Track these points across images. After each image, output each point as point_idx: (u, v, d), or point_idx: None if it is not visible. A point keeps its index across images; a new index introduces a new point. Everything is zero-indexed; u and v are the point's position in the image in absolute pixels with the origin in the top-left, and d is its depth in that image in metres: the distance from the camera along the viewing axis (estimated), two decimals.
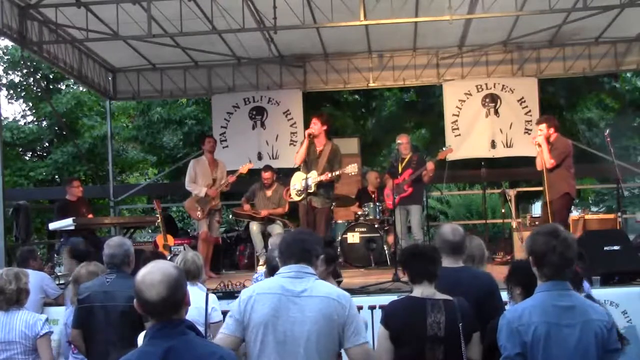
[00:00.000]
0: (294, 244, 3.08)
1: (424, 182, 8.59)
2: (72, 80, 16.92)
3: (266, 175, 9.08)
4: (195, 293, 4.37)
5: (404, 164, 8.44)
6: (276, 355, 2.87)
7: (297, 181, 7.78)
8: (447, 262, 3.80)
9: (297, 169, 7.95)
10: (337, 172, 7.54)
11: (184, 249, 8.29)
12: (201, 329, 4.20)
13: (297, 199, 7.75)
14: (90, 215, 8.50)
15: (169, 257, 7.59)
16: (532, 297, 2.91)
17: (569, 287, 2.89)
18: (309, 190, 7.42)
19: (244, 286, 5.97)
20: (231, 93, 11.24)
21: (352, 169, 7.53)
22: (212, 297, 4.60)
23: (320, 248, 3.14)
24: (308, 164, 7.67)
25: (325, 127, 7.71)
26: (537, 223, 8.66)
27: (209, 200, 8.44)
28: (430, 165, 8.37)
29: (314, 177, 7.49)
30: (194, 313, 4.21)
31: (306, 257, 3.04)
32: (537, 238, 2.90)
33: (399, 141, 8.32)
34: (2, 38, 10.08)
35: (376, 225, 8.84)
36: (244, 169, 8.70)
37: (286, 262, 3.05)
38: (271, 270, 3.67)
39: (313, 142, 7.69)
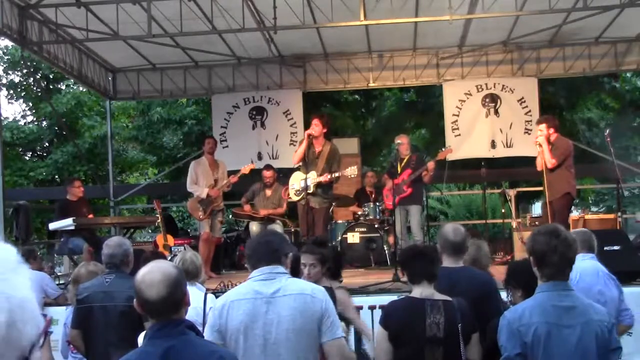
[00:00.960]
0: (261, 246, 3.06)
1: (423, 182, 8.59)
2: (72, 80, 16.92)
3: (267, 174, 9.08)
4: (194, 293, 4.37)
5: (403, 164, 8.44)
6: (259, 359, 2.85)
7: (296, 181, 7.78)
8: (447, 262, 3.80)
9: (297, 169, 7.95)
10: (337, 174, 7.53)
11: (184, 249, 8.29)
12: (200, 329, 4.21)
13: (295, 198, 7.74)
14: (90, 216, 8.50)
15: (169, 258, 7.58)
16: (533, 297, 2.90)
17: (570, 288, 2.89)
18: (307, 191, 7.42)
19: None
20: (231, 93, 11.24)
21: (351, 171, 7.51)
22: (211, 297, 4.60)
23: (287, 246, 3.13)
24: (307, 165, 7.65)
25: (325, 130, 7.71)
26: (537, 223, 8.66)
27: (211, 201, 8.44)
28: (431, 164, 8.38)
29: (312, 178, 7.48)
30: (192, 313, 4.21)
31: (275, 258, 3.01)
32: (537, 238, 2.89)
33: (398, 141, 8.32)
34: (2, 38, 10.09)
35: (376, 225, 8.84)
36: (246, 169, 8.70)
37: (256, 265, 3.02)
38: None
39: (312, 142, 7.68)
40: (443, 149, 8.90)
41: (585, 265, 4.08)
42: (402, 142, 8.42)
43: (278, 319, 2.85)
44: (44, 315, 2.43)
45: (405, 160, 8.51)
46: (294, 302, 2.87)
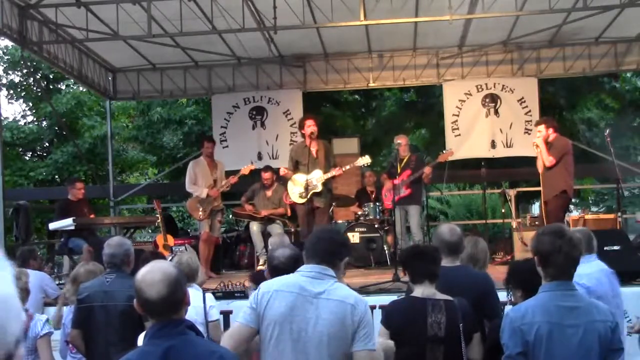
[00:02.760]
0: (320, 243, 3.06)
1: (423, 183, 8.58)
2: (72, 80, 16.92)
3: (266, 175, 9.06)
4: (193, 294, 4.39)
5: (402, 165, 8.43)
6: (289, 353, 2.87)
7: (298, 184, 7.68)
8: (444, 262, 3.80)
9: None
10: (348, 167, 7.56)
11: (185, 249, 8.29)
12: (202, 328, 4.22)
13: (301, 201, 7.63)
14: (92, 216, 8.48)
15: (169, 258, 7.57)
16: (536, 296, 2.90)
17: (574, 287, 2.89)
18: (315, 191, 7.40)
19: (244, 286, 5.98)
20: (231, 93, 11.24)
21: (364, 160, 7.60)
22: (209, 296, 4.62)
23: (345, 250, 3.12)
24: (307, 167, 7.59)
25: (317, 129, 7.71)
26: (537, 223, 8.67)
27: (210, 201, 8.44)
28: (427, 169, 8.35)
29: (318, 177, 7.45)
30: (191, 312, 4.23)
31: (329, 259, 3.01)
32: (542, 238, 2.89)
33: (397, 141, 8.30)
34: (2, 38, 10.08)
35: (376, 225, 8.84)
36: (245, 170, 8.68)
37: (309, 260, 3.03)
38: (272, 270, 3.66)
39: (306, 145, 7.63)
40: (444, 152, 8.89)
41: (595, 268, 3.99)
42: (401, 143, 8.41)
43: (316, 320, 2.87)
44: (26, 310, 2.42)
45: (404, 161, 8.49)
46: (335, 308, 2.88)
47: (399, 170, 8.27)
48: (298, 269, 3.06)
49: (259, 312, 2.94)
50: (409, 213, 8.45)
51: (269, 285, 3.02)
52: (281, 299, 2.91)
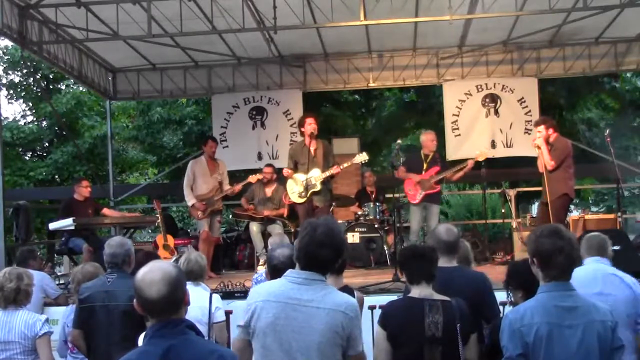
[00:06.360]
0: (311, 255, 2.88)
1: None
2: (72, 80, 16.93)
3: (267, 170, 9.07)
4: (199, 293, 4.38)
5: (428, 161, 8.33)
6: None
7: (297, 183, 7.67)
8: (441, 262, 3.80)
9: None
10: (345, 165, 7.55)
11: (188, 249, 8.30)
12: (204, 328, 4.22)
13: (300, 200, 7.61)
14: (104, 210, 8.48)
15: (174, 258, 7.59)
16: (535, 297, 2.89)
17: (572, 288, 2.88)
18: (314, 190, 7.39)
19: (244, 286, 5.98)
20: (231, 93, 11.24)
21: (362, 157, 7.58)
22: (216, 297, 4.60)
23: (337, 257, 2.95)
24: (306, 166, 7.57)
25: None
26: (536, 223, 8.65)
27: (213, 202, 8.46)
28: (471, 162, 8.16)
29: (317, 176, 7.43)
30: (197, 313, 4.23)
31: (319, 269, 2.90)
32: (542, 240, 2.86)
33: (428, 137, 8.29)
34: (2, 38, 10.10)
35: (376, 225, 8.84)
36: (252, 178, 8.71)
37: (298, 262, 2.93)
38: (271, 270, 3.66)
39: (305, 145, 7.63)
40: (479, 152, 8.64)
41: (583, 268, 3.93)
42: (432, 139, 8.36)
43: (308, 329, 2.80)
44: None
45: (430, 157, 8.37)
46: (326, 317, 2.81)
47: (425, 167, 8.23)
48: (285, 274, 2.96)
49: (249, 326, 2.91)
50: (431, 211, 8.28)
51: (256, 295, 2.95)
52: (269, 309, 2.85)
